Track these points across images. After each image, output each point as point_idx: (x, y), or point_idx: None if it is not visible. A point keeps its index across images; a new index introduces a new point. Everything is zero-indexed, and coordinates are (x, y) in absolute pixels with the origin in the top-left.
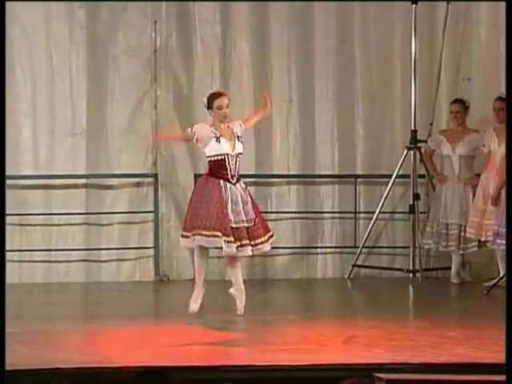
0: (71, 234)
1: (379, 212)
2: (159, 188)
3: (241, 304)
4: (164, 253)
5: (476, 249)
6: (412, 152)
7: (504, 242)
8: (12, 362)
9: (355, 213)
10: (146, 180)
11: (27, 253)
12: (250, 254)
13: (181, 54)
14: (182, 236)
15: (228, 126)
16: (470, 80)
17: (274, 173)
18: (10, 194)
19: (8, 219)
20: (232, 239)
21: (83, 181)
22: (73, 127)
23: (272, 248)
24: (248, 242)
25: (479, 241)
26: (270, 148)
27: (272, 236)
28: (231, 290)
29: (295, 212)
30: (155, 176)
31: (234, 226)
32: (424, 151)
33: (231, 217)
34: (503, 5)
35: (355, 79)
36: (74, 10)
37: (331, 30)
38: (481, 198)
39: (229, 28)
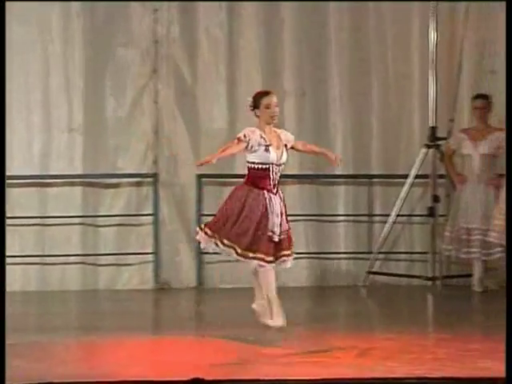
0: (66, 237)
1: (396, 215)
2: (160, 189)
3: (265, 318)
4: (164, 258)
5: (501, 254)
6: (431, 150)
7: None
8: (8, 376)
9: (370, 215)
10: (146, 180)
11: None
12: (288, 266)
13: (183, 44)
14: (206, 234)
15: (275, 131)
16: (494, 73)
17: (285, 172)
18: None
19: None
20: (271, 258)
21: (79, 180)
22: (69, 122)
23: None
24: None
25: (503, 246)
26: None
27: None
28: (254, 306)
29: (307, 215)
30: (155, 176)
31: (276, 239)
32: (444, 150)
33: (276, 230)
34: None
35: (370, 72)
36: None
37: (345, 20)
38: (505, 199)
39: (235, 16)
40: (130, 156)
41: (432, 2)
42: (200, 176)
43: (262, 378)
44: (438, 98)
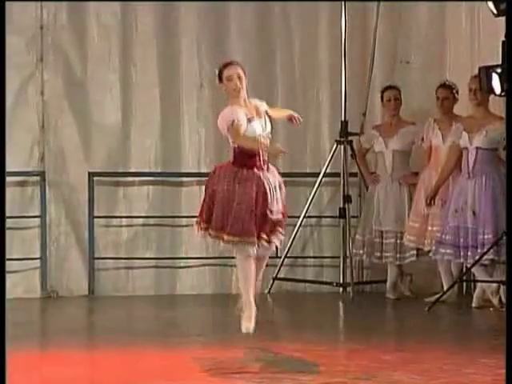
0: None
1: (304, 217)
2: (47, 188)
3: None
4: (52, 264)
5: (414, 258)
6: (342, 146)
7: (448, 251)
8: None
9: None
10: (32, 179)
11: None
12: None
13: (72, 30)
14: (200, 227)
15: (249, 102)
16: (408, 63)
17: (183, 171)
18: None
19: None
20: (267, 238)
21: None
22: None
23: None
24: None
25: (417, 249)
26: (178, 143)
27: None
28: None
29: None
30: (42, 174)
31: (274, 218)
32: (356, 148)
33: (273, 208)
34: None
35: (275, 61)
36: None
37: (248, 10)
38: (422, 199)
39: (128, 2)
40: (14, 153)
41: None
42: (91, 174)
43: None
44: (349, 91)
